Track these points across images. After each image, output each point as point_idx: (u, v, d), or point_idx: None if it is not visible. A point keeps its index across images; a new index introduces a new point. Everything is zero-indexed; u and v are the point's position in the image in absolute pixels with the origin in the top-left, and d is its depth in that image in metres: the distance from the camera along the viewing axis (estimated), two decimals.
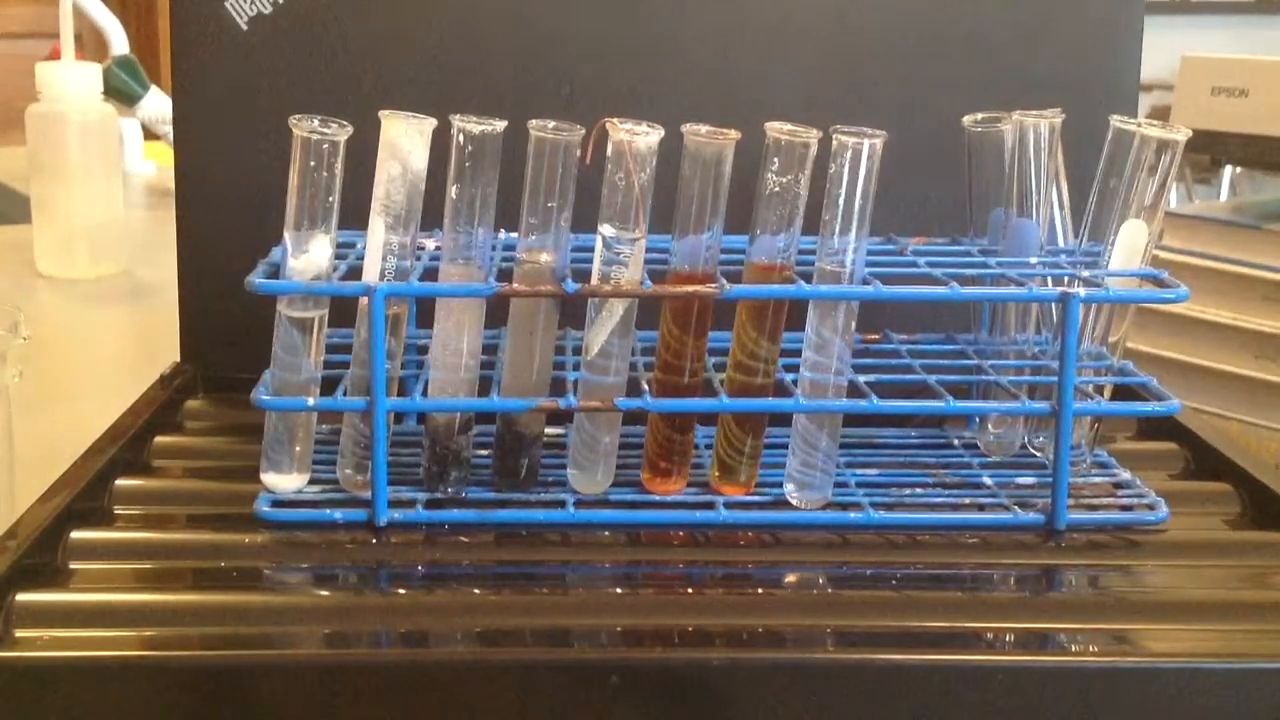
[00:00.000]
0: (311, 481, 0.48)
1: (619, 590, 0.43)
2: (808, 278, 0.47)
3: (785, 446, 0.48)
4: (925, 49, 0.61)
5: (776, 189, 0.46)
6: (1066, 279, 0.49)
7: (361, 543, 0.45)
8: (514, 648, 0.40)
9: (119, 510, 0.48)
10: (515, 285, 0.46)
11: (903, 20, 0.61)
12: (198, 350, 0.61)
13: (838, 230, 0.46)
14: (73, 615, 0.40)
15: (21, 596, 0.40)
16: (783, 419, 0.49)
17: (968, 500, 0.49)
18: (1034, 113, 0.53)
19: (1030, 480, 0.50)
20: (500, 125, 0.45)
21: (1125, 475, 0.51)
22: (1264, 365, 0.81)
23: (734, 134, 0.45)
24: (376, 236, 0.46)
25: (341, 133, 0.45)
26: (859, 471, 0.50)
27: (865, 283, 0.47)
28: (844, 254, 0.46)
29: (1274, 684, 0.38)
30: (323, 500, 0.47)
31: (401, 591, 0.43)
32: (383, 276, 0.46)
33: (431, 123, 0.46)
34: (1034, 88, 0.60)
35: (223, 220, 0.60)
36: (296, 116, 0.45)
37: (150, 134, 1.40)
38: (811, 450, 0.47)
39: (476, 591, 0.42)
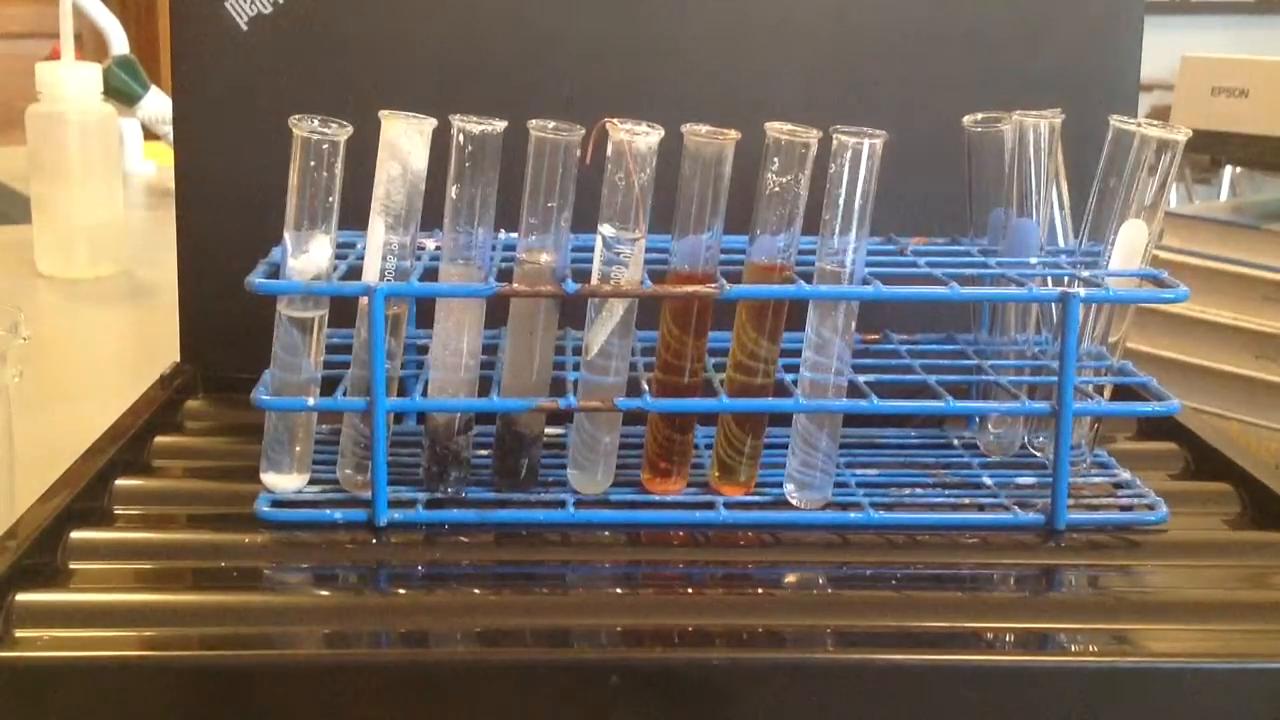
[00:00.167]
0: (311, 481, 0.48)
1: (619, 590, 0.43)
2: (808, 278, 0.47)
3: (785, 446, 0.48)
4: (925, 49, 0.61)
5: (776, 189, 0.46)
6: (1066, 279, 0.49)
7: (361, 543, 0.45)
8: (514, 648, 0.40)
9: (119, 510, 0.48)
10: (515, 285, 0.46)
11: (903, 20, 0.61)
12: (198, 350, 0.61)
13: (838, 230, 0.46)
14: (73, 615, 0.40)
15: (21, 596, 0.40)
16: (783, 419, 0.49)
17: (968, 500, 0.49)
18: (1034, 113, 0.53)
19: (1030, 480, 0.50)
20: (500, 125, 0.45)
21: (1125, 475, 0.51)
22: (1264, 365, 0.81)
23: (734, 134, 0.45)
24: (376, 236, 0.46)
25: (341, 133, 0.45)
26: (859, 471, 0.50)
27: (865, 283, 0.47)
28: (844, 254, 0.46)
29: (1274, 684, 0.38)
30: (323, 500, 0.47)
31: (401, 591, 0.43)
32: (383, 276, 0.46)
33: (431, 123, 0.46)
34: (1034, 88, 0.60)
35: (223, 220, 0.60)
36: (296, 116, 0.45)
37: (150, 134, 1.40)
38: (811, 450, 0.47)
39: (476, 591, 0.42)
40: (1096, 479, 0.51)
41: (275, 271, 0.46)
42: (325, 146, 0.45)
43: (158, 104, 1.30)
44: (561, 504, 0.47)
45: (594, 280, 0.46)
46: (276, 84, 0.60)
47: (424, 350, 0.54)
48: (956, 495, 0.49)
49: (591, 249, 0.46)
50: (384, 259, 0.46)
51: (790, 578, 0.44)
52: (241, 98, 0.60)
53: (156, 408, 0.55)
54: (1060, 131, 0.53)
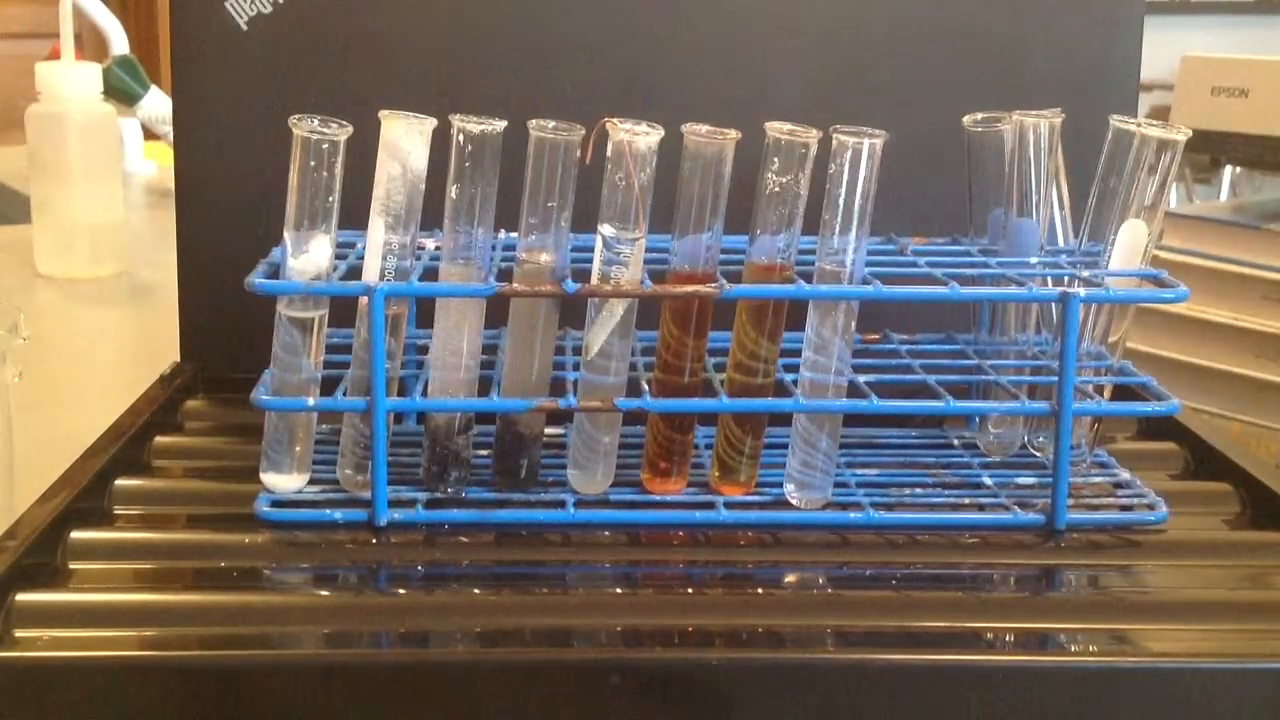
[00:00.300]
0: (311, 481, 0.48)
1: (619, 590, 0.43)
2: (808, 278, 0.47)
3: (785, 446, 0.48)
4: (925, 49, 0.61)
5: (776, 189, 0.46)
6: (1066, 279, 0.49)
7: (361, 543, 0.45)
8: (514, 648, 0.40)
9: (119, 510, 0.48)
10: (515, 285, 0.46)
11: (903, 20, 0.61)
12: (198, 350, 0.61)
13: (838, 230, 0.46)
14: (73, 615, 0.40)
15: (21, 596, 0.40)
16: (783, 419, 0.49)
17: (968, 500, 0.49)
18: (1034, 113, 0.53)
19: (1030, 480, 0.50)
20: (500, 125, 0.45)
21: (1125, 475, 0.51)
22: (1264, 365, 0.81)
23: (734, 134, 0.45)
24: (376, 236, 0.46)
25: (341, 133, 0.45)
26: (859, 471, 0.50)
27: (865, 283, 0.47)
28: (844, 254, 0.46)
29: (1274, 684, 0.38)
30: (323, 500, 0.47)
31: (401, 591, 0.43)
32: (383, 276, 0.46)
33: (431, 123, 0.46)
34: (1034, 88, 0.60)
35: (223, 220, 0.60)
36: (296, 116, 0.45)
37: (150, 134, 1.40)
38: (811, 450, 0.47)
39: (476, 591, 0.42)
40: (1096, 479, 0.51)
41: (275, 271, 0.46)
42: (325, 146, 0.45)
43: (158, 104, 1.30)
44: (561, 504, 0.47)
45: (594, 280, 0.46)
46: (276, 84, 0.60)
47: (424, 350, 0.54)
48: (956, 495, 0.49)
49: (591, 249, 0.46)
50: (384, 259, 0.46)
51: (790, 578, 0.44)
52: (241, 98, 0.60)
53: (156, 408, 0.55)
54: (1060, 131, 0.53)
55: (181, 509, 0.49)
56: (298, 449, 0.47)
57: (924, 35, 0.61)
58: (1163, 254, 0.85)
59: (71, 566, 0.43)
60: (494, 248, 0.50)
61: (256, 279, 0.45)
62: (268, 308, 0.46)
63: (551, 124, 0.45)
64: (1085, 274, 0.49)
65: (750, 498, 0.48)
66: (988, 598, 0.43)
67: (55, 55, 1.03)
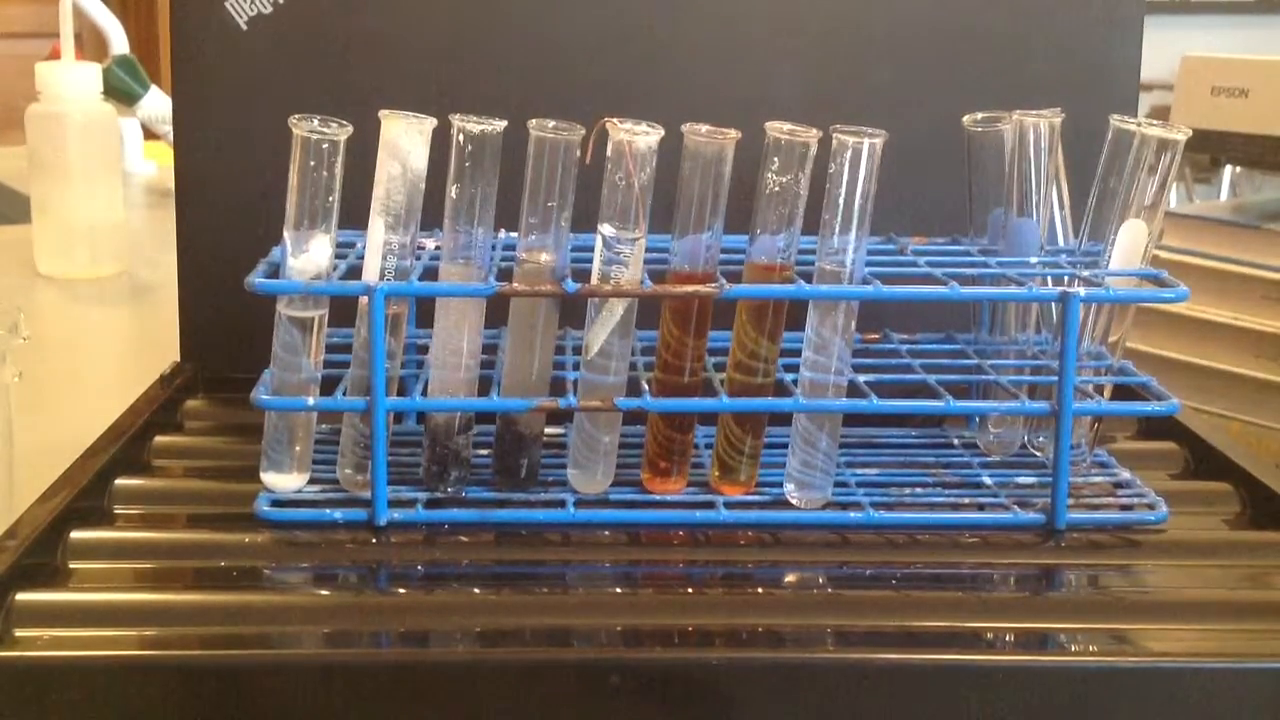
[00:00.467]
0: (311, 481, 0.48)
1: (619, 590, 0.43)
2: (808, 278, 0.47)
3: (785, 446, 0.48)
4: (925, 49, 0.61)
5: (776, 189, 0.46)
6: (1066, 279, 0.49)
7: (361, 543, 0.45)
8: (514, 648, 0.40)
9: (119, 510, 0.48)
10: (515, 285, 0.46)
11: (903, 20, 0.61)
12: (198, 350, 0.61)
13: (838, 230, 0.46)
14: (73, 615, 0.40)
15: (21, 596, 0.40)
16: (783, 419, 0.49)
17: (968, 500, 0.49)
18: (1034, 113, 0.53)
19: (1030, 480, 0.50)
20: (500, 125, 0.45)
21: (1125, 475, 0.51)
22: (1264, 365, 0.81)
23: (734, 134, 0.45)
24: (376, 236, 0.46)
25: (341, 133, 0.45)
26: (859, 471, 0.50)
27: (865, 283, 0.47)
28: (844, 254, 0.46)
29: (1274, 684, 0.38)
30: (323, 500, 0.47)
31: (401, 591, 0.43)
32: (383, 276, 0.46)
33: (431, 123, 0.46)
34: (1034, 88, 0.60)
35: (223, 220, 0.60)
36: (296, 116, 0.45)
37: (150, 134, 1.40)
38: (811, 450, 0.47)
39: (476, 591, 0.42)
40: (1096, 479, 0.51)
41: (275, 271, 0.46)
42: (325, 146, 0.45)
43: (158, 104, 1.30)
44: (561, 504, 0.47)
45: (594, 280, 0.46)
46: (276, 84, 0.60)
47: (424, 350, 0.54)
48: (956, 495, 0.49)
49: (591, 249, 0.46)
50: (384, 259, 0.46)
51: (790, 578, 0.44)
52: (241, 98, 0.60)
53: (156, 407, 0.55)
54: (1060, 131, 0.53)
55: (181, 509, 0.49)
56: (298, 449, 0.47)
57: (924, 35, 0.61)
58: (1163, 254, 0.85)
59: (71, 566, 0.43)
60: (494, 248, 0.50)
61: (256, 279, 0.45)
62: (268, 308, 0.46)
63: (551, 124, 0.45)
64: (1085, 274, 0.49)
65: (750, 497, 0.48)
66: (988, 598, 0.43)
67: (55, 55, 1.03)
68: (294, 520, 0.46)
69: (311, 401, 0.46)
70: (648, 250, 0.46)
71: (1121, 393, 0.52)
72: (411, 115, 0.46)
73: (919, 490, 0.49)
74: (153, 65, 1.62)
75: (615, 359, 0.47)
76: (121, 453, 0.50)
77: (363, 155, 0.46)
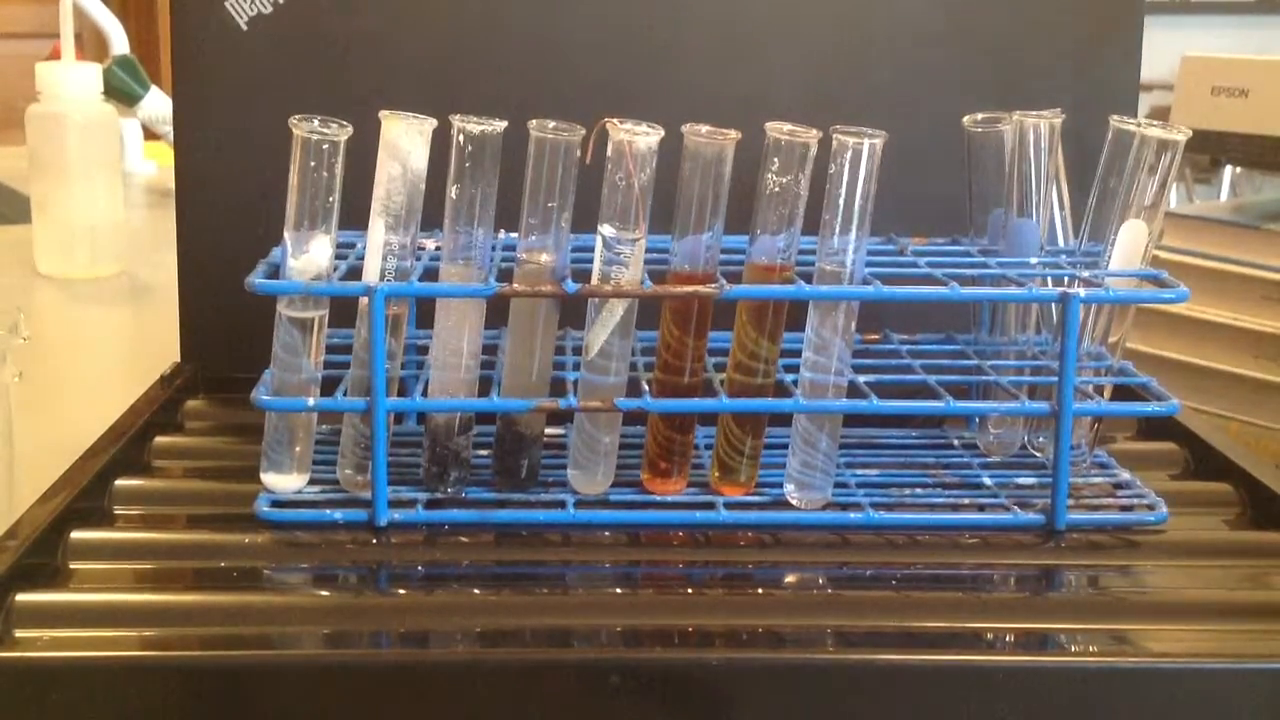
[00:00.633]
0: (311, 481, 0.48)
1: (619, 590, 0.43)
2: (808, 278, 0.47)
3: (785, 446, 0.48)
4: (925, 49, 0.61)
5: (776, 189, 0.46)
6: (1066, 279, 0.49)
7: (361, 543, 0.45)
8: (514, 648, 0.40)
9: (119, 510, 0.48)
10: (515, 285, 0.46)
11: (903, 20, 0.61)
12: (198, 350, 0.61)
13: (838, 230, 0.46)
14: (73, 615, 0.40)
15: (21, 596, 0.40)
16: (783, 419, 0.49)
17: (968, 500, 0.49)
18: (1034, 113, 0.53)
19: (1030, 480, 0.50)
20: (500, 125, 0.45)
21: (1125, 475, 0.51)
22: (1264, 365, 0.81)
23: (734, 134, 0.45)
24: (376, 236, 0.46)
25: (341, 133, 0.45)
26: (859, 471, 0.50)
27: (865, 283, 0.47)
28: (844, 254, 0.46)
29: (1274, 684, 0.38)
30: (323, 500, 0.47)
31: (401, 591, 0.43)
32: (383, 276, 0.46)
33: (431, 123, 0.46)
34: (1034, 88, 0.60)
35: (223, 220, 0.60)
36: (296, 116, 0.45)
37: (150, 134, 1.40)
38: (811, 450, 0.47)
39: (476, 591, 0.42)
40: (1096, 479, 0.51)
41: (275, 271, 0.46)
42: (325, 146, 0.45)
43: (158, 104, 1.30)
44: (561, 504, 0.47)
45: (594, 280, 0.46)
46: (276, 84, 0.60)
47: (424, 350, 0.54)
48: (956, 495, 0.49)
49: (591, 249, 0.46)
50: (384, 259, 0.46)
51: (790, 578, 0.44)
52: (241, 98, 0.60)
53: (156, 408, 0.55)
54: (1060, 131, 0.53)
55: (181, 509, 0.49)
56: (298, 449, 0.47)
57: (924, 35, 0.61)
58: (1163, 254, 0.85)
59: (71, 566, 0.43)
60: (494, 248, 0.50)
61: (256, 279, 0.45)
62: (268, 308, 0.46)
63: (551, 124, 0.45)
64: (1085, 274, 0.49)
65: (750, 498, 0.48)
66: (988, 598, 0.43)
67: (55, 55, 1.03)
68: (294, 521, 0.46)
69: (311, 402, 0.46)
70: (648, 250, 0.46)
71: (1121, 393, 0.52)
72: (411, 115, 0.46)
73: (919, 491, 0.49)
74: (153, 65, 1.62)
75: (615, 359, 0.47)
76: (122, 453, 0.50)
77: (363, 155, 0.46)
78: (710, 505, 0.47)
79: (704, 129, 0.45)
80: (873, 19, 0.61)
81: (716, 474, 0.49)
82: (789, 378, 0.49)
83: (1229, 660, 0.39)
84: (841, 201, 0.46)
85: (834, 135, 0.45)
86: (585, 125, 0.45)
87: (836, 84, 0.61)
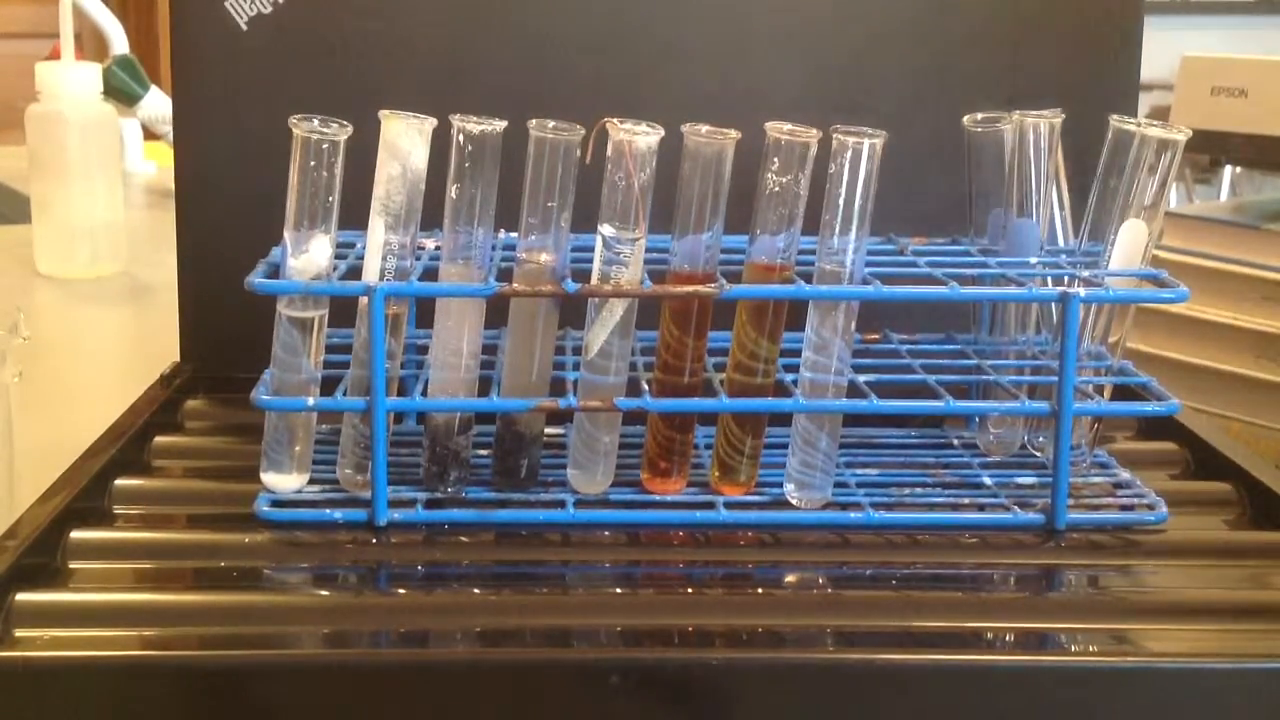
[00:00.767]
0: (311, 481, 0.48)
1: (619, 590, 0.43)
2: (808, 278, 0.47)
3: (785, 446, 0.48)
4: (925, 49, 0.61)
5: (776, 189, 0.46)
6: (1066, 279, 0.49)
7: (361, 543, 0.45)
8: (514, 648, 0.40)
9: (119, 510, 0.48)
10: (515, 285, 0.46)
11: (903, 20, 0.61)
12: (198, 350, 0.61)
13: (838, 230, 0.46)
14: (73, 615, 0.40)
15: (21, 596, 0.40)
16: (783, 419, 0.49)
17: (968, 500, 0.49)
18: (1034, 113, 0.53)
19: (1030, 480, 0.50)
20: (500, 125, 0.45)
21: (1125, 475, 0.51)
22: (1264, 365, 0.81)
23: (734, 134, 0.45)
24: (376, 236, 0.46)
25: (341, 133, 0.45)
26: (859, 471, 0.50)
27: (865, 283, 0.47)
28: (844, 254, 0.46)
29: (1274, 684, 0.38)
30: (323, 500, 0.47)
31: (401, 591, 0.43)
32: (383, 276, 0.46)
33: (431, 123, 0.46)
34: (1034, 88, 0.60)
35: (223, 220, 0.60)
36: (296, 116, 0.45)
37: (150, 134, 1.40)
38: (811, 450, 0.47)
39: (476, 591, 0.42)
40: (1096, 479, 0.51)
41: (275, 271, 0.46)
42: (325, 146, 0.45)
43: (158, 104, 1.30)
44: (561, 504, 0.47)
45: (594, 280, 0.46)
46: (276, 84, 0.60)
47: (424, 350, 0.54)
48: (956, 495, 0.49)
49: (591, 249, 0.46)
50: (384, 259, 0.46)
51: (790, 578, 0.44)
52: (241, 98, 0.60)
53: (156, 408, 0.55)
54: (1060, 131, 0.53)
55: (181, 509, 0.49)
56: (298, 449, 0.47)
57: (924, 35, 0.61)
58: (1163, 254, 0.85)
59: (71, 566, 0.43)
60: (494, 248, 0.50)
61: (256, 279, 0.45)
62: (268, 308, 0.46)
63: (551, 124, 0.45)
64: (1085, 274, 0.49)
65: (750, 498, 0.48)
66: (988, 598, 0.43)
67: (55, 55, 1.03)
68: (294, 520, 0.46)
69: (311, 402, 0.46)
70: (648, 250, 0.46)
71: (1121, 393, 0.52)
72: (411, 115, 0.46)
73: (919, 490, 0.49)
74: (153, 65, 1.62)
75: (615, 359, 0.47)
76: (121, 453, 0.50)
77: (363, 155, 0.46)
78: (710, 505, 0.47)
79: (704, 129, 0.45)
80: (873, 19, 0.61)
81: (716, 474, 0.49)
82: (789, 378, 0.49)
83: (1229, 660, 0.39)
84: (841, 201, 0.46)
85: (834, 135, 0.45)
86: (585, 125, 0.45)
87: (836, 84, 0.61)
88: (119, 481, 0.49)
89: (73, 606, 0.41)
